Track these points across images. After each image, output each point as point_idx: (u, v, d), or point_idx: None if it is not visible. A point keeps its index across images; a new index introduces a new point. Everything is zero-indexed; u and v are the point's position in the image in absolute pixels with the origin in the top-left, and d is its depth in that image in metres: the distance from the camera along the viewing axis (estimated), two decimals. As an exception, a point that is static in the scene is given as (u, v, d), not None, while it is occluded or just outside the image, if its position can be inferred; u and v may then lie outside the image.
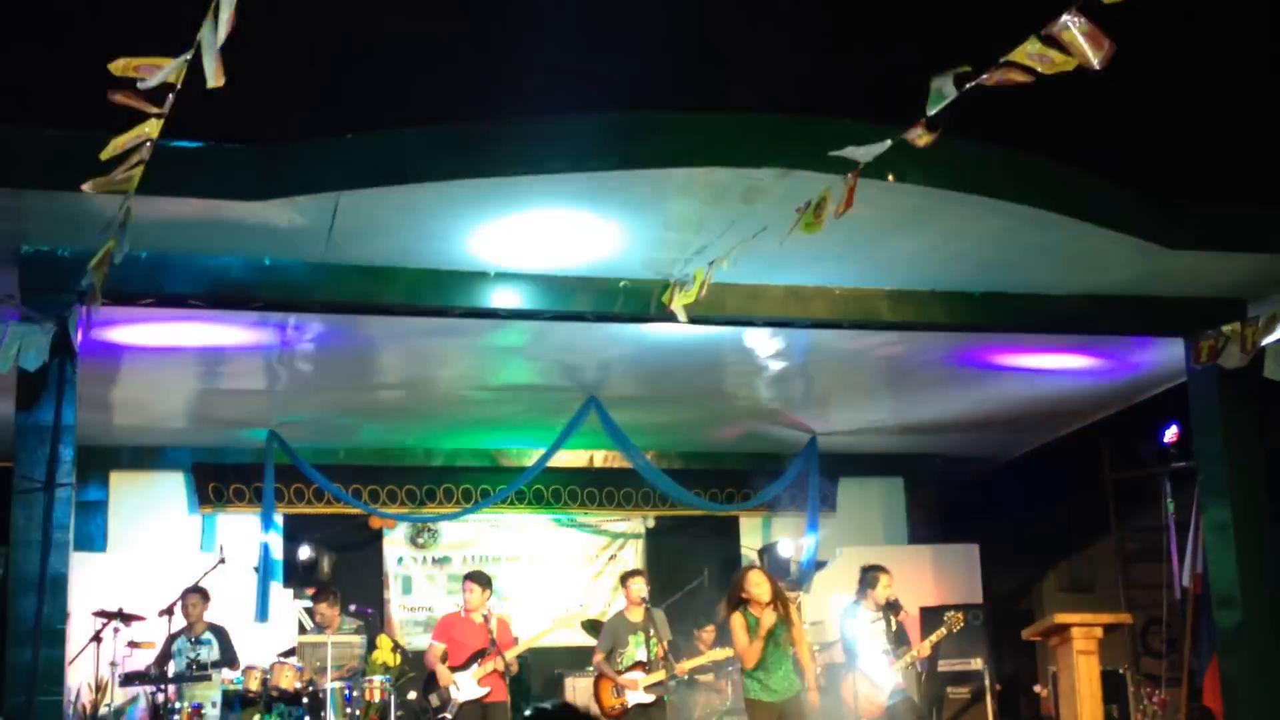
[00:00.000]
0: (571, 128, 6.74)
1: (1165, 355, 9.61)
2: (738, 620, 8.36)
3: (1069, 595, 12.21)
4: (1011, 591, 13.08)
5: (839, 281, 8.31)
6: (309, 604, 10.86)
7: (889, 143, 5.25)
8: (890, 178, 6.38)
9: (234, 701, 9.61)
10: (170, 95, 4.58)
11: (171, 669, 9.61)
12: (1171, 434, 10.31)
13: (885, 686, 9.29)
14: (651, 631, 9.53)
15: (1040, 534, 12.77)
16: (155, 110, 4.73)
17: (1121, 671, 10.56)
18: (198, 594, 10.11)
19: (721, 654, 9.97)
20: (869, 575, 9.60)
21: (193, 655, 9.79)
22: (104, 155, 4.97)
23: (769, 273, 8.06)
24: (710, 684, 10.87)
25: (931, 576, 12.62)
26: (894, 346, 9.49)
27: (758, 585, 8.37)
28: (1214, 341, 8.36)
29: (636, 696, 9.50)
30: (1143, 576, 11.79)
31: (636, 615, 9.66)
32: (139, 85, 4.49)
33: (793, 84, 7.61)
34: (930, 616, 10.93)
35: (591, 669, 10.15)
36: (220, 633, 10.12)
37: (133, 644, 9.74)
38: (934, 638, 9.78)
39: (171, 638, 9.91)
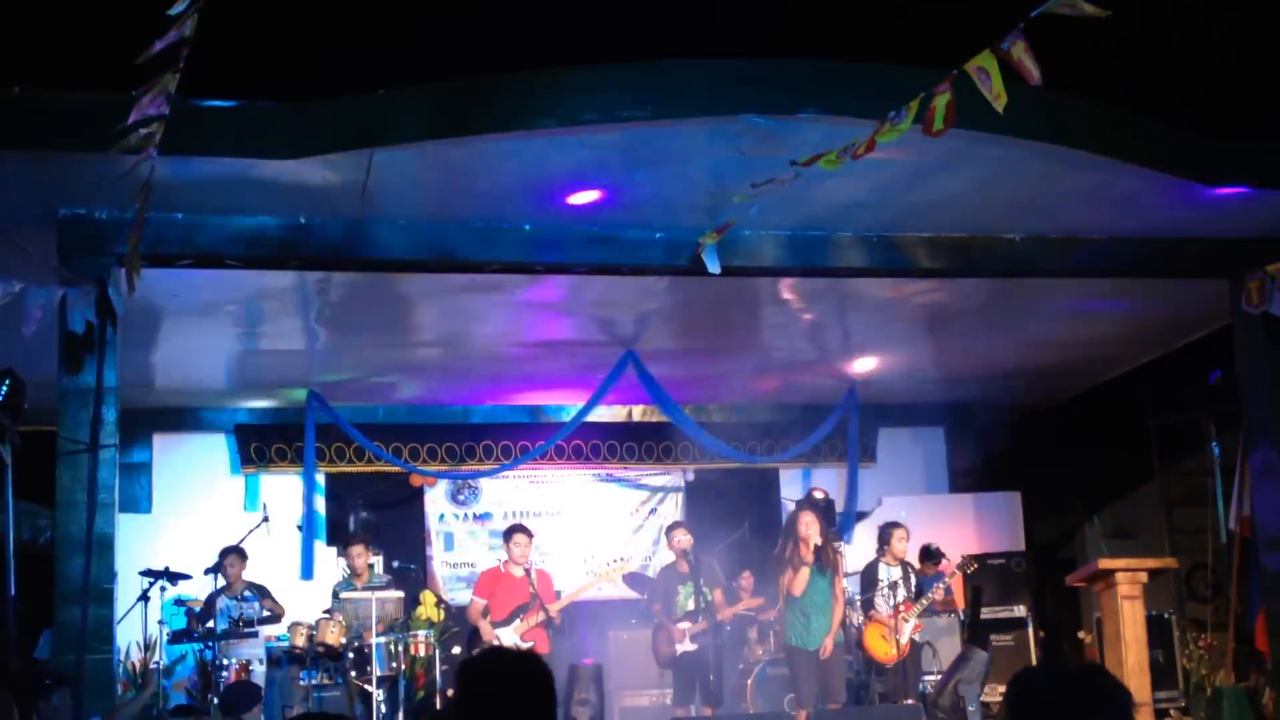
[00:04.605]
0: (604, 79, 6.68)
1: (1208, 297, 9.48)
2: (787, 555, 9.03)
3: (1113, 541, 12.15)
4: (1054, 539, 13.03)
5: (877, 229, 8.23)
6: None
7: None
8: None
9: (280, 658, 9.74)
10: (184, 50, 4.55)
11: (216, 627, 9.73)
12: (1216, 377, 10.19)
13: (899, 637, 9.43)
14: (700, 582, 9.65)
15: (1083, 481, 12.69)
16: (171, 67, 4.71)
17: (1167, 616, 10.50)
18: (236, 554, 10.23)
19: (755, 602, 10.22)
20: (884, 532, 9.97)
21: (237, 613, 9.91)
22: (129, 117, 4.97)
23: (806, 222, 8.00)
24: (753, 633, 10.95)
25: (973, 525, 12.60)
26: (933, 294, 9.41)
27: (808, 526, 8.97)
28: (1261, 282, 8.24)
29: (683, 646, 9.64)
30: (1187, 521, 11.70)
31: (684, 566, 9.81)
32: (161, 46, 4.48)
33: (828, 29, 7.51)
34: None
35: (635, 622, 10.29)
36: (261, 590, 10.23)
37: (180, 602, 9.87)
38: (947, 580, 10.00)
39: (214, 596, 10.03)
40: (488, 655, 2.84)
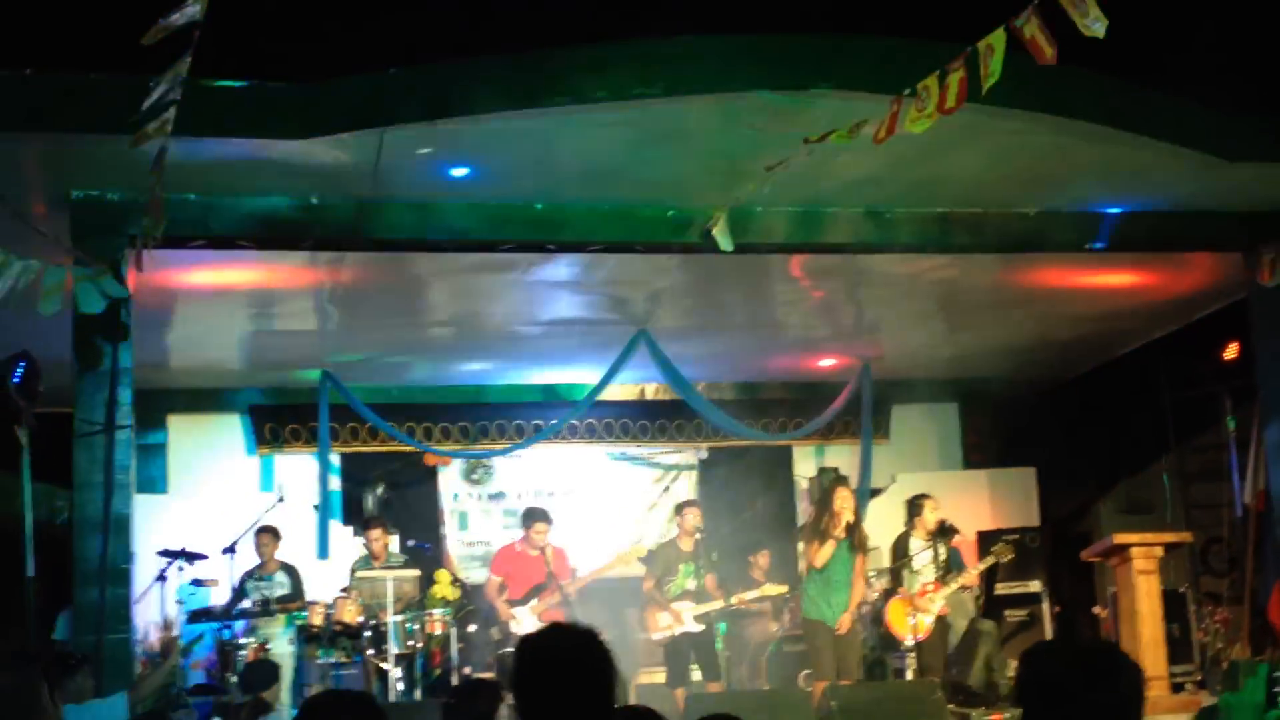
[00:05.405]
0: (615, 55, 6.66)
1: (1224, 271, 9.43)
2: (818, 528, 9.12)
3: (1128, 516, 12.11)
4: (1069, 514, 13.00)
5: (889, 205, 8.20)
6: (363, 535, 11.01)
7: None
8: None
9: (298, 637, 9.79)
10: (195, 31, 4.55)
11: (249, 606, 9.78)
12: (1232, 351, 10.15)
13: (924, 617, 9.41)
14: (701, 563, 9.59)
15: (1098, 456, 12.66)
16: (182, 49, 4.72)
17: (1182, 591, 10.49)
18: (269, 533, 10.25)
19: (776, 590, 10.11)
20: (914, 504, 9.91)
21: (266, 593, 9.95)
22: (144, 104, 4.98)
23: (818, 198, 7.97)
24: (765, 613, 10.95)
25: (988, 501, 12.59)
26: (946, 269, 9.38)
27: (844, 501, 9.05)
28: (1276, 256, 8.20)
29: (685, 625, 9.55)
30: (1203, 496, 11.67)
31: (688, 545, 9.72)
32: (166, 22, 4.49)
33: (839, 3, 7.46)
34: (987, 541, 10.94)
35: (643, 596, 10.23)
36: (291, 571, 10.27)
37: (197, 582, 9.92)
38: (981, 567, 9.94)
39: (245, 576, 10.06)
40: (548, 632, 2.84)
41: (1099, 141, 7.26)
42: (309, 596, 10.08)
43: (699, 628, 9.54)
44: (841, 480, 10.22)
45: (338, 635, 9.63)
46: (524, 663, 2.78)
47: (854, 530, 9.13)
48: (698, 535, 9.67)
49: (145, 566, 9.37)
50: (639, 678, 11.19)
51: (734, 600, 9.76)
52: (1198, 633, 10.43)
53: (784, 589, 10.30)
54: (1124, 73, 7.14)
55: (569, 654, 2.77)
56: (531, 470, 12.77)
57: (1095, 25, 4.67)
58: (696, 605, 9.55)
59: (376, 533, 10.43)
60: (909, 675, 9.54)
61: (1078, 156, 7.53)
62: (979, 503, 12.41)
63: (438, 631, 9.84)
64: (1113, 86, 7.20)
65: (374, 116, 6.60)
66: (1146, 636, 8.98)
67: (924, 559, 9.67)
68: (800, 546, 9.32)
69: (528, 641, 2.83)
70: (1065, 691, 2.52)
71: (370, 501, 12.08)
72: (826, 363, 12.25)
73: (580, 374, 12.07)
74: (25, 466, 7.62)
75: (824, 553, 9.04)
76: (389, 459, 12.36)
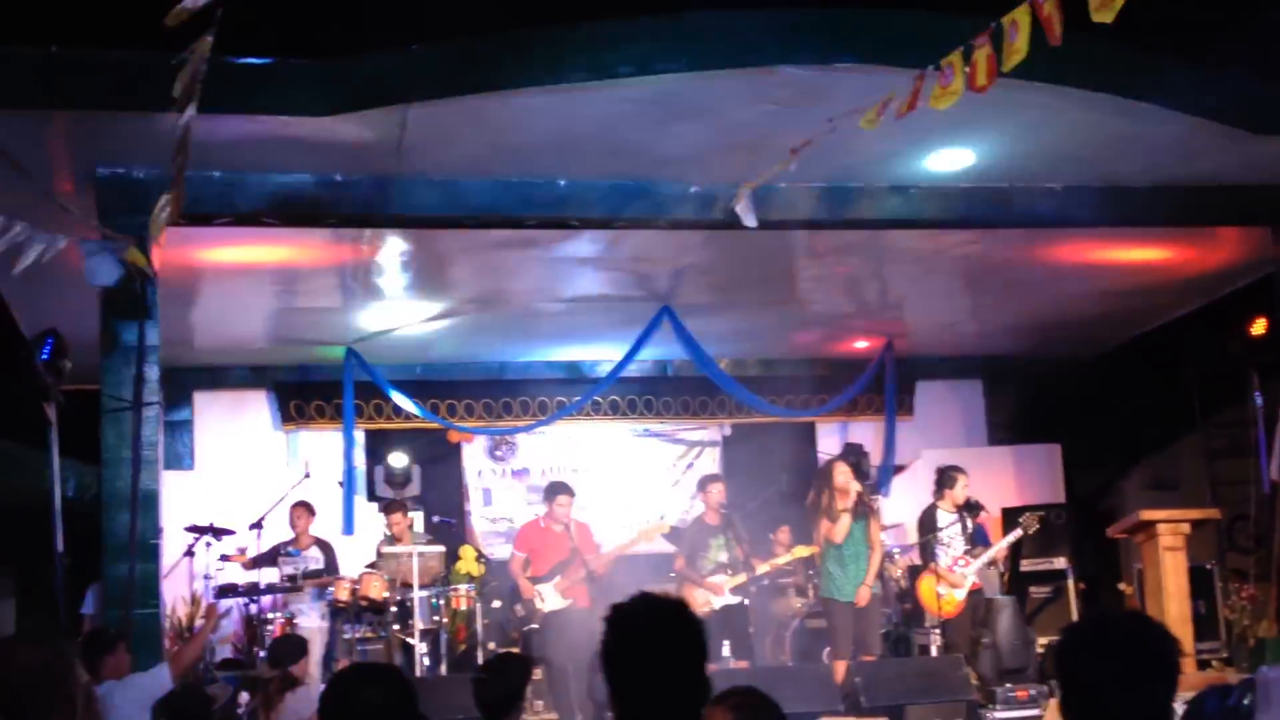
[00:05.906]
0: (639, 31, 6.64)
1: (1251, 246, 9.36)
2: (823, 505, 9.09)
3: (1153, 493, 12.07)
4: (1094, 491, 12.96)
5: (913, 180, 8.16)
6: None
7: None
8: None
9: (327, 612, 9.86)
10: (219, 8, 4.57)
11: (275, 578, 9.84)
12: (1259, 326, 10.07)
13: (961, 586, 9.35)
14: (731, 535, 9.59)
15: (1123, 432, 12.61)
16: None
17: (1209, 567, 10.45)
18: (303, 508, 10.29)
19: (804, 551, 10.04)
20: (946, 476, 9.70)
21: (300, 567, 10.01)
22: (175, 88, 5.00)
23: (842, 174, 7.94)
24: (790, 586, 10.94)
25: (1012, 477, 12.56)
26: (971, 245, 9.33)
27: (845, 476, 9.08)
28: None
29: (722, 599, 9.54)
30: (1229, 472, 11.60)
31: (714, 519, 9.71)
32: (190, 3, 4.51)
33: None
34: (1011, 517, 10.90)
35: (674, 575, 10.21)
36: (326, 546, 10.31)
37: (225, 557, 9.98)
38: (1009, 539, 9.85)
39: (276, 549, 10.11)
40: (639, 602, 2.83)
41: (1126, 115, 7.19)
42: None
43: (736, 599, 9.53)
44: (839, 456, 10.17)
45: (364, 610, 9.68)
46: (617, 633, 2.77)
47: (858, 500, 9.12)
48: (723, 510, 9.66)
49: (172, 542, 9.44)
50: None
51: (765, 568, 9.75)
52: (1224, 609, 10.40)
53: (814, 549, 10.20)
54: (1149, 46, 7.08)
55: (663, 623, 2.76)
56: (555, 447, 12.81)
57: (1104, 10, 4.64)
58: (731, 578, 9.53)
59: (397, 516, 10.46)
60: (934, 651, 9.53)
61: (1105, 130, 7.46)
62: (1004, 479, 12.39)
63: (463, 607, 9.89)
64: (1138, 60, 7.13)
65: (398, 93, 6.60)
66: (1173, 613, 8.96)
67: (953, 531, 9.56)
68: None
69: (619, 611, 2.81)
70: (1100, 663, 2.52)
71: (393, 479, 12.11)
72: (850, 339, 12.22)
73: (603, 350, 12.08)
74: (53, 443, 7.69)
75: (840, 529, 9.01)
76: (413, 435, 12.40)
